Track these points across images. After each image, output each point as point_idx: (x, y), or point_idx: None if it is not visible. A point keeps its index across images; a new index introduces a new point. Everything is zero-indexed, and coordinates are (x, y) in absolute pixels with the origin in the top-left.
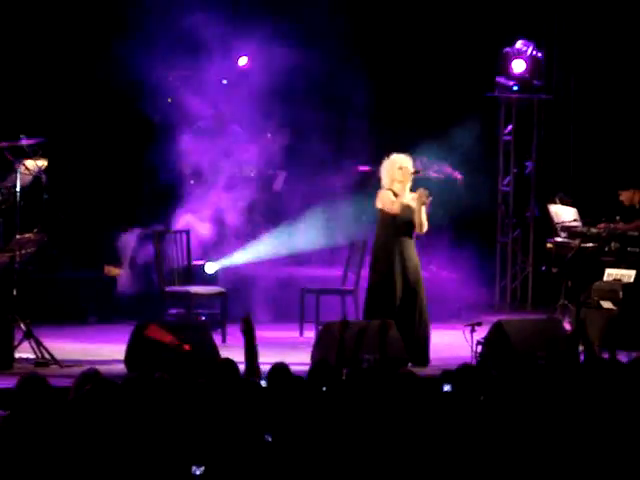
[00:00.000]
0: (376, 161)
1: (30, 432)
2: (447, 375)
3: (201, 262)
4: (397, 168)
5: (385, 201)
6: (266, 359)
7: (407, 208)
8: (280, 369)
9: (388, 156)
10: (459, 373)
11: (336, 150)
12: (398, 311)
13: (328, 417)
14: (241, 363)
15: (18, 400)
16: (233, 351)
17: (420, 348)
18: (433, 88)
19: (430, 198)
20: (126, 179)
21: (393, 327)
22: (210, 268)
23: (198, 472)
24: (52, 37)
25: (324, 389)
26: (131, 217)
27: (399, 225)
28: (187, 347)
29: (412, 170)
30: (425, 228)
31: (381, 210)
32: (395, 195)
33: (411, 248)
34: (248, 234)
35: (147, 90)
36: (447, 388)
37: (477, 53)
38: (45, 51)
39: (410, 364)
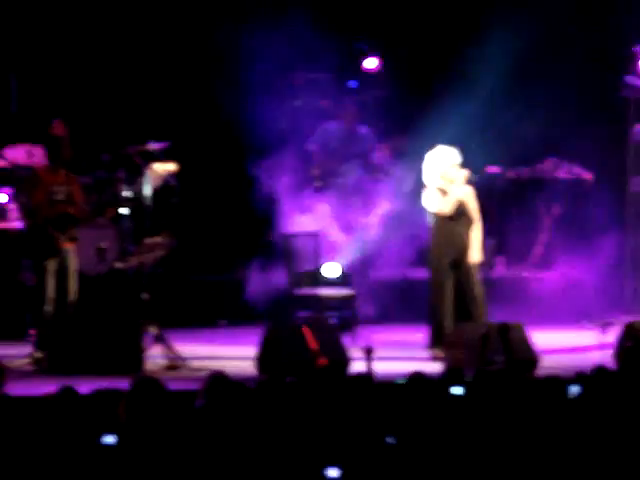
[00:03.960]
0: (509, 164)
1: (155, 433)
2: (581, 377)
3: (326, 265)
4: (449, 166)
5: (433, 200)
6: (397, 361)
7: (459, 203)
8: (418, 377)
9: (433, 148)
10: (596, 376)
11: (465, 151)
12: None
13: (457, 420)
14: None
15: (132, 403)
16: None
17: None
18: (561, 89)
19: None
20: (252, 182)
21: (519, 329)
22: (329, 270)
23: (332, 475)
24: (180, 41)
25: (456, 392)
26: (259, 220)
27: (453, 221)
28: (323, 361)
29: (467, 175)
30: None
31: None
32: (443, 192)
33: (466, 240)
34: (376, 235)
35: (274, 92)
36: (575, 390)
37: (606, 52)
38: (171, 55)
39: None
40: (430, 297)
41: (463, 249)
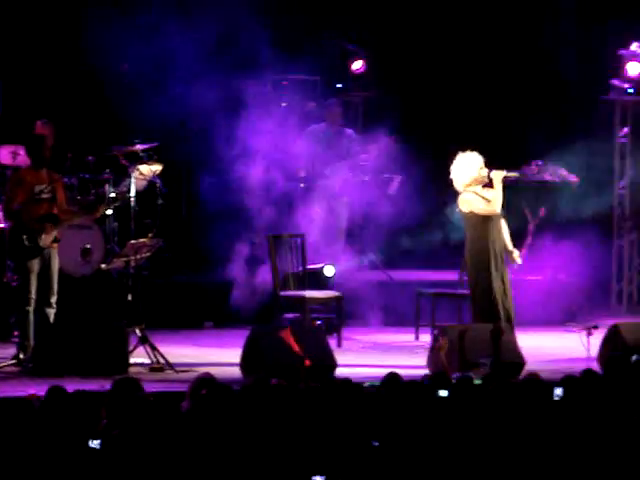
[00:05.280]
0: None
1: (140, 436)
2: (568, 380)
3: (316, 266)
4: (479, 168)
5: (477, 203)
6: (382, 364)
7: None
8: (394, 378)
9: (457, 154)
10: (584, 379)
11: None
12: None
13: (442, 422)
14: (355, 366)
15: (112, 403)
16: (348, 356)
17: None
18: (548, 91)
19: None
20: (237, 183)
21: (507, 331)
22: (329, 271)
23: None
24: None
25: (441, 394)
26: (245, 222)
27: (493, 222)
28: (308, 362)
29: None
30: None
31: (471, 212)
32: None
33: (504, 241)
34: (361, 238)
35: (261, 94)
36: (559, 392)
37: (592, 56)
38: (150, 57)
39: None
40: (477, 299)
41: (504, 249)
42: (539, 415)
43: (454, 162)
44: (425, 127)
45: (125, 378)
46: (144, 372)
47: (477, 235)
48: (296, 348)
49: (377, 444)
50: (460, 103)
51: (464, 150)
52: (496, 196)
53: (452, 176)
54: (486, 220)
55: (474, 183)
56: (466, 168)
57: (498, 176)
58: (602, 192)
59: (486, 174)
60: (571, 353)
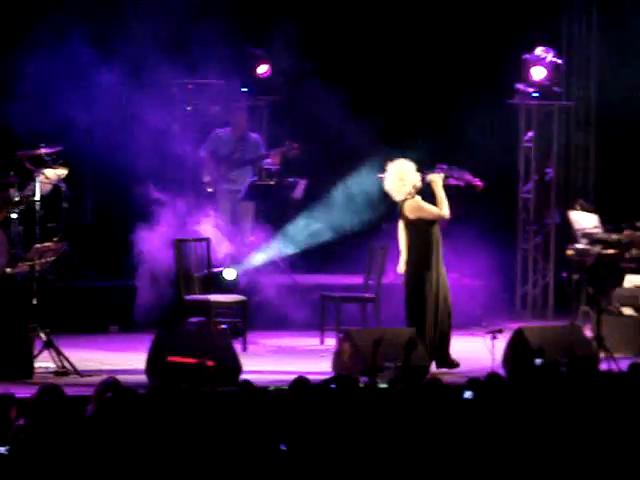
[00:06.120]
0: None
1: (47, 441)
2: (473, 383)
3: (220, 269)
4: (415, 173)
5: (428, 209)
6: (288, 368)
7: None
8: (301, 382)
9: (390, 163)
10: (488, 383)
11: (353, 158)
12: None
13: (348, 426)
14: (262, 373)
15: (35, 410)
16: (253, 360)
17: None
18: (453, 96)
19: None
20: (143, 187)
21: (412, 335)
22: (229, 274)
23: None
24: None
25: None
26: (150, 225)
27: (436, 227)
28: (210, 363)
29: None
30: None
31: (418, 219)
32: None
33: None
34: (265, 241)
35: (165, 98)
36: (468, 395)
37: (497, 60)
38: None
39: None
40: (411, 302)
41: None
42: (440, 418)
43: (387, 173)
44: (332, 130)
45: (50, 385)
46: (49, 377)
47: (422, 240)
48: (189, 361)
49: (285, 448)
50: (367, 107)
51: (377, 158)
52: (443, 200)
53: (389, 187)
54: (431, 225)
55: (414, 190)
56: (405, 176)
57: (439, 179)
58: (507, 196)
59: (419, 180)
60: (476, 357)
